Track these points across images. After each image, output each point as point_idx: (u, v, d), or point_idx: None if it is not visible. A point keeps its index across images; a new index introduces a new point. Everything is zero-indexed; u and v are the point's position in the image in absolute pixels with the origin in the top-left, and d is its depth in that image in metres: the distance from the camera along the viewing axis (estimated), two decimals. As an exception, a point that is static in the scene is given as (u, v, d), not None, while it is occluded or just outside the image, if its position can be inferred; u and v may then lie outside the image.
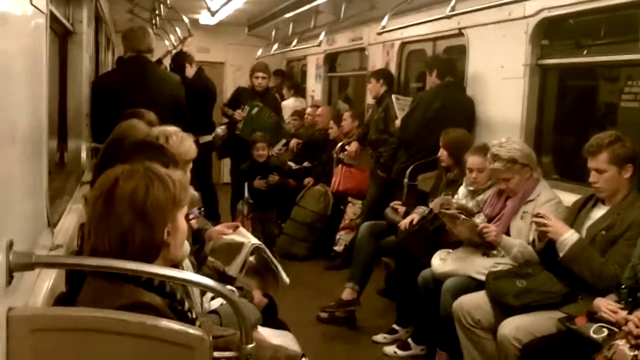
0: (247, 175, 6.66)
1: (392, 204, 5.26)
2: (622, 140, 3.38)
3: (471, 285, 3.87)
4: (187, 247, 2.04)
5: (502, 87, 5.19)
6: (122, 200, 1.82)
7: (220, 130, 7.60)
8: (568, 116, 5.14)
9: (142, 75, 5.05)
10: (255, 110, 7.29)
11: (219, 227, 3.74)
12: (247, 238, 3.62)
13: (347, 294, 5.21)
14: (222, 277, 3.32)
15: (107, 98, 4.86)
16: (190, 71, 7.22)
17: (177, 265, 2.08)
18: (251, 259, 3.54)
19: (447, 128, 4.90)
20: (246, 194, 6.48)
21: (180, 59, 7.30)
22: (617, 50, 4.52)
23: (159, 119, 3.74)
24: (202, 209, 3.70)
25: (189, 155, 2.94)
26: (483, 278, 3.78)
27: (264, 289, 3.58)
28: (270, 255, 3.64)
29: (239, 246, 3.47)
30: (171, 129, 3.02)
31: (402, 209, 5.08)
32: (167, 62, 8.90)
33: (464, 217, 4.04)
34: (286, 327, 3.42)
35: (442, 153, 4.86)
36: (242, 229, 3.78)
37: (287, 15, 7.63)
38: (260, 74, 7.42)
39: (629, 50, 4.27)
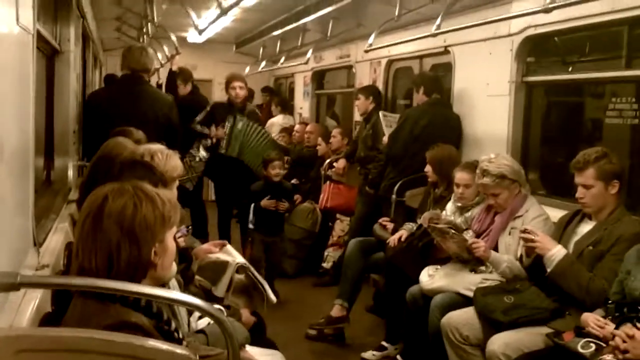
0: (256, 196, 6.13)
1: (380, 220, 5.26)
2: (609, 156, 3.41)
3: (459, 301, 3.87)
4: (174, 267, 2.03)
5: (488, 104, 5.23)
6: (110, 219, 1.81)
7: (202, 153, 6.85)
8: (554, 132, 5.18)
9: (133, 94, 5.05)
10: (240, 124, 6.68)
11: (205, 246, 3.72)
12: (232, 257, 3.60)
13: (336, 311, 5.19)
14: (210, 296, 3.30)
15: (98, 115, 4.87)
16: (186, 88, 7.24)
17: (163, 284, 2.07)
18: (239, 276, 3.52)
19: (433, 145, 4.92)
20: (251, 216, 6.12)
21: (172, 78, 7.30)
22: (602, 68, 4.58)
23: (150, 137, 3.74)
24: (190, 226, 3.69)
25: (175, 172, 2.93)
26: (471, 294, 3.78)
27: (251, 308, 3.56)
28: (256, 273, 3.62)
29: (224, 265, 3.45)
30: (156, 146, 3.01)
31: (390, 226, 5.08)
32: (154, 79, 8.91)
33: (453, 232, 4.05)
34: (275, 346, 3.40)
35: (428, 169, 4.89)
36: (228, 247, 3.75)
37: (275, 33, 7.67)
38: (237, 84, 6.72)
39: (614, 68, 4.32)
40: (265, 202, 6.05)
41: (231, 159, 6.64)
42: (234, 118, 6.66)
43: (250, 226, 6.15)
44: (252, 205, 6.10)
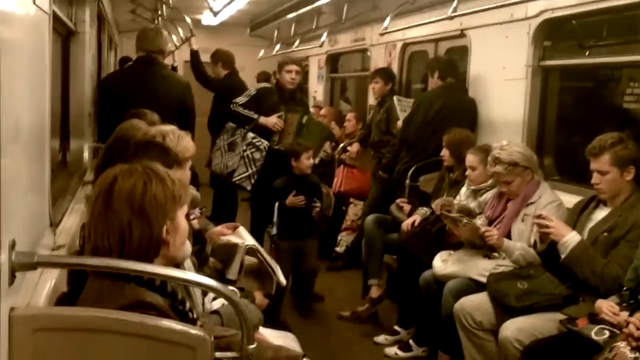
0: (280, 193, 5.28)
1: (397, 200, 5.26)
2: (625, 141, 3.38)
3: (472, 287, 3.87)
4: (188, 247, 2.04)
5: (504, 88, 5.19)
6: (121, 198, 1.83)
7: (264, 142, 5.79)
8: (570, 117, 5.14)
9: (147, 76, 5.06)
10: (306, 118, 5.86)
11: (218, 228, 3.74)
12: (243, 239, 3.62)
13: (374, 291, 5.20)
14: (223, 278, 3.32)
15: (113, 98, 4.89)
16: (221, 71, 7.24)
17: (178, 265, 2.08)
18: (250, 259, 3.54)
19: (450, 128, 4.90)
20: (275, 217, 5.24)
21: (196, 58, 7.29)
22: (619, 52, 4.53)
23: (163, 120, 3.74)
24: (204, 208, 3.70)
25: (187, 153, 2.93)
26: (484, 280, 3.77)
27: (264, 290, 3.59)
28: (266, 256, 3.63)
29: (235, 248, 3.47)
30: (168, 127, 3.02)
31: (407, 207, 5.09)
32: (169, 62, 8.92)
33: (465, 220, 4.04)
34: (288, 328, 3.42)
35: (445, 153, 4.87)
36: (241, 230, 3.77)
37: (290, 15, 7.63)
38: (294, 67, 5.86)
39: (632, 52, 4.27)
40: (291, 198, 5.18)
41: (273, 152, 5.76)
42: (292, 109, 5.83)
43: (273, 231, 5.27)
44: (276, 205, 5.23)
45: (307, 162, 5.28)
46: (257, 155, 5.70)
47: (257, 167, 5.70)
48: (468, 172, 4.46)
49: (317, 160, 6.06)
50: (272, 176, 5.45)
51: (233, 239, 3.61)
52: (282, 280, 3.68)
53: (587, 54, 4.72)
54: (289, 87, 5.83)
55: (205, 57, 7.47)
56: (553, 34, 4.84)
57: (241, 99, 5.83)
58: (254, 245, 3.56)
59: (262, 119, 5.70)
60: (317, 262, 5.59)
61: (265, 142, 5.67)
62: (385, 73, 6.71)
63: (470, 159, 4.44)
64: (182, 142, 2.94)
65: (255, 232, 5.24)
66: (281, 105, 5.76)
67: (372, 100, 7.43)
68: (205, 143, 6.72)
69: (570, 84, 5.19)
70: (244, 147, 5.66)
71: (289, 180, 5.29)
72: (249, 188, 5.82)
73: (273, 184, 5.34)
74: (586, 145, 3.51)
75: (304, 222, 5.26)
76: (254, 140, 5.70)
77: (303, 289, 5.47)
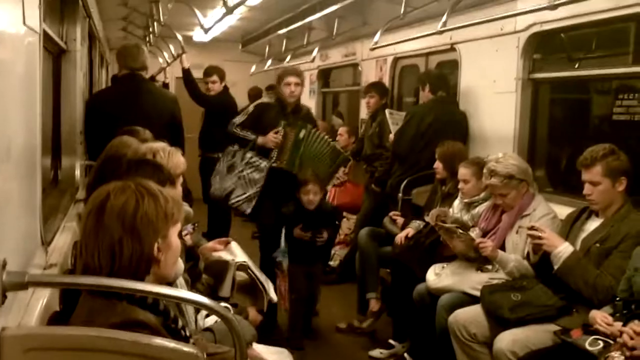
0: (288, 220, 5.13)
1: (390, 213, 5.27)
2: (617, 153, 3.39)
3: (466, 300, 3.86)
4: (180, 265, 2.03)
5: (494, 101, 5.22)
6: (112, 215, 1.82)
7: (264, 163, 5.32)
8: (561, 129, 5.16)
9: (136, 93, 5.05)
10: (303, 132, 5.27)
11: (210, 244, 3.74)
12: (234, 255, 3.61)
13: (374, 304, 5.19)
14: (216, 294, 3.31)
15: (102, 116, 4.87)
16: (218, 86, 7.26)
17: (170, 283, 2.07)
18: (242, 274, 3.53)
19: (443, 140, 4.92)
20: (282, 243, 5.06)
21: (188, 76, 7.31)
22: (608, 64, 4.56)
23: (154, 136, 3.74)
24: (196, 224, 3.70)
25: (178, 169, 2.93)
26: (478, 293, 3.76)
27: (257, 306, 3.57)
28: (257, 272, 3.62)
29: (226, 264, 3.46)
30: (159, 144, 3.02)
31: (400, 220, 5.09)
32: (160, 78, 8.95)
33: (460, 231, 4.04)
34: (282, 344, 3.41)
35: (438, 165, 4.88)
36: (233, 245, 3.76)
37: (281, 31, 7.67)
38: (293, 79, 5.35)
39: (620, 64, 4.30)
40: (298, 232, 5.05)
41: (278, 170, 5.30)
42: (294, 124, 5.32)
43: (279, 258, 5.04)
44: (283, 232, 5.08)
45: (305, 197, 5.03)
46: (256, 176, 5.26)
47: (257, 188, 5.23)
48: (460, 185, 4.47)
49: (328, 188, 5.76)
50: (273, 194, 5.19)
51: (224, 255, 3.60)
52: (274, 297, 3.67)
53: (576, 66, 4.76)
54: (290, 101, 5.37)
55: (197, 74, 7.49)
56: (542, 47, 4.87)
57: (239, 119, 5.46)
58: (244, 262, 3.55)
59: (260, 139, 5.26)
60: (318, 286, 5.42)
61: (265, 162, 5.26)
62: (380, 87, 6.75)
63: (463, 172, 4.45)
64: (173, 158, 2.94)
65: (265, 261, 5.18)
66: (281, 120, 5.31)
67: (364, 114, 7.45)
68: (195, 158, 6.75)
69: (560, 96, 5.23)
70: (242, 167, 5.30)
71: (296, 209, 5.09)
72: (248, 211, 5.35)
73: (281, 210, 5.15)
74: (577, 156, 3.53)
75: (311, 250, 5.14)
76: (251, 160, 5.30)
77: (307, 311, 5.36)
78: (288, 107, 5.39)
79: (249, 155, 5.29)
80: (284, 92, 5.35)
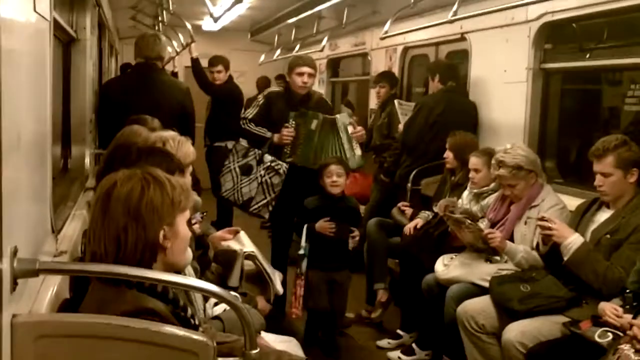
0: (310, 215, 4.60)
1: (399, 204, 5.26)
2: (629, 144, 3.38)
3: (475, 291, 3.86)
4: (189, 254, 2.03)
5: (505, 91, 5.19)
6: (118, 202, 1.83)
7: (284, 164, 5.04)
8: (571, 120, 5.13)
9: (148, 82, 5.06)
10: (315, 123, 4.98)
11: (219, 233, 3.75)
12: (242, 244, 3.62)
13: (382, 295, 5.19)
14: (225, 283, 3.32)
15: (113, 104, 4.89)
16: (224, 76, 7.24)
17: (179, 271, 2.08)
18: (249, 264, 3.54)
19: (453, 131, 4.90)
20: (304, 241, 4.55)
21: (197, 66, 7.32)
22: (620, 54, 4.52)
23: (164, 125, 3.75)
24: (205, 213, 3.70)
25: (187, 159, 2.94)
26: (486, 284, 3.77)
27: (264, 295, 3.59)
28: (264, 263, 3.62)
29: (234, 254, 3.46)
30: (169, 133, 3.03)
31: (408, 211, 5.08)
32: (169, 68, 8.94)
33: (469, 222, 4.04)
34: (291, 333, 3.42)
35: (448, 155, 4.86)
36: (241, 235, 3.77)
37: (290, 20, 7.65)
38: (307, 70, 5.05)
39: (633, 54, 4.27)
40: (321, 224, 4.51)
41: (291, 168, 5.05)
42: (303, 114, 5.02)
43: (302, 254, 4.54)
44: (305, 227, 4.56)
45: (329, 180, 4.53)
46: (276, 180, 5.00)
47: (276, 192, 5.01)
48: (472, 174, 4.46)
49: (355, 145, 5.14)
50: (291, 195, 4.88)
51: (232, 244, 3.60)
52: (279, 289, 3.67)
53: (587, 56, 4.72)
54: (301, 92, 5.09)
55: (205, 63, 7.50)
56: (553, 36, 4.84)
57: (250, 112, 5.17)
58: (252, 251, 3.56)
59: (276, 137, 4.99)
60: (346, 298, 4.84)
61: (285, 165, 4.98)
62: (390, 77, 6.73)
63: (475, 161, 4.43)
64: (183, 148, 2.94)
65: (277, 259, 5.03)
66: (290, 112, 5.02)
67: (373, 104, 7.43)
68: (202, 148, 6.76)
69: (571, 86, 5.19)
70: (262, 172, 5.01)
71: (320, 200, 4.62)
72: (267, 217, 5.18)
73: (304, 203, 4.70)
74: (588, 147, 3.51)
75: (336, 252, 4.58)
76: (272, 164, 5.00)
77: (329, 327, 4.79)
78: (296, 97, 5.12)
79: (268, 158, 5.03)
80: (295, 82, 5.08)
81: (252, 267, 3.56)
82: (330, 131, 5.01)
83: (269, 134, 5.03)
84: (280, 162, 5.00)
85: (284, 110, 5.05)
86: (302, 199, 4.79)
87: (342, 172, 4.55)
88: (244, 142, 5.17)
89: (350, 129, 5.04)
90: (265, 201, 5.05)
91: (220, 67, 7.30)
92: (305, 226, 4.55)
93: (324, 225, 4.51)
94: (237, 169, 5.10)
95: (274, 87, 6.43)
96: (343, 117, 5.08)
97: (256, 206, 5.08)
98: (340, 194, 4.62)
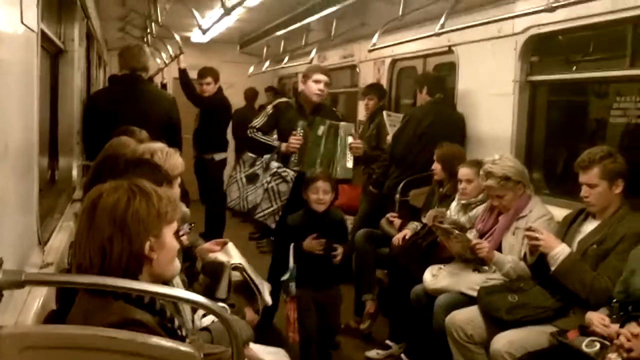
0: (296, 233, 4.38)
1: (387, 215, 5.27)
2: (614, 155, 3.41)
3: (463, 301, 3.87)
4: (177, 265, 2.02)
5: (492, 103, 5.22)
6: (104, 212, 1.83)
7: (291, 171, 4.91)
8: (558, 132, 5.17)
9: (134, 93, 5.05)
10: (322, 129, 4.94)
11: (207, 245, 3.73)
12: (230, 256, 3.61)
13: (370, 305, 5.18)
14: (213, 295, 3.31)
15: (100, 116, 4.87)
16: (213, 88, 7.27)
17: (167, 282, 2.07)
18: (237, 275, 3.53)
19: (441, 142, 4.92)
20: (291, 262, 4.29)
21: (184, 77, 7.33)
22: (606, 67, 4.57)
23: (152, 136, 3.75)
24: (193, 224, 3.69)
25: (175, 170, 2.93)
26: (475, 294, 3.77)
27: (253, 306, 3.58)
28: (252, 274, 3.61)
29: (221, 266, 3.46)
30: (157, 145, 3.02)
31: (397, 222, 5.09)
32: (158, 79, 8.95)
33: (457, 232, 4.05)
34: (280, 344, 3.41)
35: (436, 167, 4.89)
36: (229, 246, 3.76)
37: (279, 32, 7.67)
38: (323, 78, 5.00)
39: (618, 66, 4.31)
40: (309, 242, 4.26)
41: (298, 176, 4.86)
42: (310, 120, 4.97)
43: (286, 279, 4.28)
44: (292, 247, 4.32)
45: (314, 196, 4.29)
46: (283, 188, 4.87)
47: (283, 201, 4.88)
48: (463, 185, 4.46)
49: (350, 165, 5.02)
50: (299, 206, 4.59)
51: (220, 256, 3.59)
52: (268, 300, 3.66)
53: (574, 68, 4.77)
54: (315, 100, 5.01)
55: (194, 75, 7.50)
56: (540, 49, 4.88)
57: (258, 122, 5.07)
58: (239, 263, 3.55)
59: (283, 146, 4.91)
60: (338, 317, 4.68)
61: (292, 173, 4.87)
62: (378, 89, 6.77)
63: (466, 172, 4.45)
64: (171, 159, 2.94)
65: (275, 277, 4.65)
66: (300, 121, 4.93)
67: (361, 116, 7.45)
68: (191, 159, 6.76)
69: (558, 98, 5.23)
70: (268, 179, 4.90)
71: (304, 217, 4.39)
72: (273, 226, 4.98)
73: (287, 221, 4.53)
74: (575, 159, 3.54)
75: (325, 269, 4.33)
76: (279, 170, 4.89)
77: (322, 347, 4.49)
78: (308, 107, 5.04)
79: (274, 165, 4.92)
80: (310, 89, 4.97)
81: (240, 278, 3.55)
82: (334, 138, 4.97)
83: (276, 143, 4.96)
84: (287, 169, 4.90)
85: (295, 120, 4.97)
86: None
87: (329, 188, 4.33)
88: (250, 153, 5.09)
89: (350, 139, 4.97)
90: (271, 209, 4.93)
91: (209, 79, 7.29)
92: (292, 246, 4.30)
93: (311, 244, 4.27)
94: (244, 179, 5.02)
95: (283, 98, 5.83)
96: (346, 126, 5.03)
97: (262, 213, 4.95)
98: (326, 209, 4.39)
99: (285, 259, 4.38)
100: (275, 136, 5.05)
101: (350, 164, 5.00)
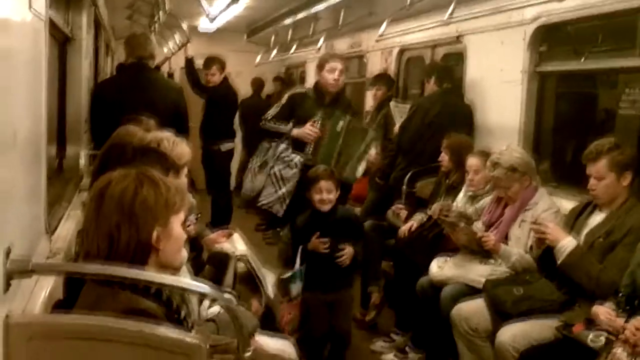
0: (302, 233, 4.19)
1: (394, 206, 5.26)
2: (621, 147, 3.39)
3: (469, 292, 3.87)
4: (184, 255, 2.03)
5: (500, 93, 5.20)
6: (112, 200, 1.84)
7: (297, 157, 4.76)
8: (566, 122, 5.14)
9: (142, 82, 5.05)
10: (341, 124, 4.72)
11: (213, 235, 3.73)
12: (235, 247, 3.61)
13: (376, 297, 5.18)
14: (219, 286, 3.31)
15: (107, 104, 4.87)
16: (218, 78, 7.25)
17: (174, 272, 2.08)
18: (242, 265, 3.53)
19: (448, 133, 4.91)
20: (298, 263, 4.10)
21: (190, 65, 7.32)
22: (615, 57, 4.54)
23: (160, 125, 3.74)
24: (199, 214, 3.69)
25: (182, 159, 2.92)
26: (480, 285, 3.78)
27: (258, 297, 3.58)
28: (255, 266, 3.61)
29: (227, 257, 3.45)
30: (164, 133, 3.01)
31: (403, 213, 5.09)
32: (165, 68, 8.95)
33: (463, 224, 4.05)
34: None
35: (444, 157, 4.87)
36: (235, 237, 3.75)
37: (287, 21, 7.65)
38: (338, 66, 4.83)
39: (627, 57, 4.28)
40: (314, 242, 4.09)
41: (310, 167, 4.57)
42: (330, 113, 4.73)
43: (287, 279, 4.06)
44: (300, 249, 4.13)
45: (317, 196, 4.10)
46: (287, 173, 4.70)
47: (289, 187, 4.68)
48: (471, 175, 4.46)
49: (359, 176, 4.98)
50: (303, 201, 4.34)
51: (226, 246, 3.59)
52: (271, 293, 3.66)
53: (582, 59, 4.73)
54: (331, 90, 4.81)
55: (202, 63, 7.49)
56: (549, 39, 4.85)
57: (271, 112, 4.92)
58: (244, 254, 3.55)
59: (295, 131, 4.72)
60: (350, 320, 4.51)
61: (297, 157, 4.70)
62: (387, 79, 6.74)
63: (474, 162, 4.44)
64: (177, 148, 2.93)
65: None
66: (318, 111, 4.73)
67: (369, 106, 7.43)
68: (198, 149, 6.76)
69: (566, 88, 5.20)
70: (272, 163, 4.77)
71: (310, 216, 4.19)
72: (280, 213, 4.79)
73: (295, 221, 4.33)
74: (583, 150, 3.52)
75: (333, 270, 4.12)
76: (282, 155, 4.73)
77: (337, 349, 4.30)
78: (326, 97, 4.83)
79: (281, 147, 4.79)
80: (326, 80, 4.80)
81: (245, 269, 3.55)
82: (355, 138, 4.76)
83: (286, 129, 4.75)
84: (291, 154, 4.74)
85: (311, 112, 4.78)
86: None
87: (333, 187, 4.11)
88: (266, 143, 4.97)
89: (373, 149, 4.88)
90: (276, 195, 4.76)
91: (214, 69, 7.27)
92: (300, 248, 4.11)
93: (315, 243, 4.08)
94: (256, 168, 4.93)
95: (298, 88, 5.85)
96: (374, 135, 4.94)
97: (265, 201, 4.81)
98: (332, 208, 4.16)
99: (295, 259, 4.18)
100: (290, 125, 4.84)
101: (360, 171, 4.91)
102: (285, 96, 5.09)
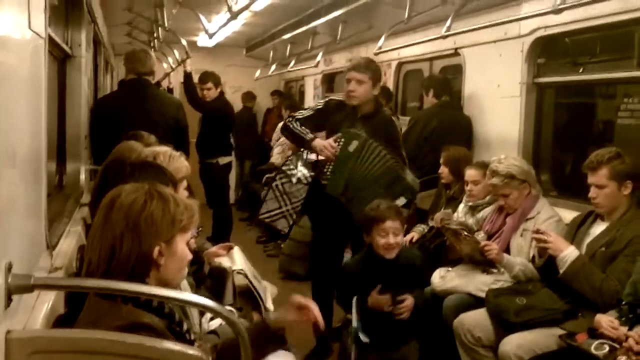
0: (357, 281, 3.59)
1: None
2: (622, 156, 3.40)
3: (472, 302, 3.86)
4: (184, 273, 2.02)
5: (499, 105, 5.22)
6: (120, 211, 1.85)
7: (303, 170, 4.49)
8: (565, 134, 5.16)
9: (142, 98, 5.07)
10: (355, 145, 4.10)
11: (213, 249, 3.73)
12: (233, 262, 3.61)
13: None
14: (220, 299, 3.31)
15: (107, 120, 4.89)
16: (214, 93, 7.27)
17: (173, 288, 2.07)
18: (241, 279, 3.53)
19: (447, 145, 4.92)
20: (355, 320, 3.55)
21: (188, 80, 7.34)
22: (613, 68, 4.55)
23: (160, 140, 3.75)
24: (201, 228, 3.69)
25: (180, 173, 2.92)
26: (483, 295, 3.77)
27: (259, 310, 3.57)
28: (254, 281, 3.60)
29: (225, 272, 3.45)
30: (160, 148, 3.02)
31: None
32: (165, 84, 8.97)
33: (465, 233, 4.05)
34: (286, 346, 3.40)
35: (443, 170, 4.89)
36: (234, 251, 3.75)
37: (285, 36, 7.68)
38: (353, 75, 4.28)
39: (625, 68, 4.30)
40: (375, 297, 3.47)
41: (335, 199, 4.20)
42: (346, 131, 4.18)
43: (362, 337, 3.50)
44: (354, 301, 3.58)
45: (382, 241, 3.45)
46: (290, 188, 4.40)
47: (294, 204, 4.37)
48: (470, 186, 4.48)
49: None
50: (319, 211, 3.97)
51: (224, 261, 3.59)
52: (270, 306, 3.65)
53: (580, 70, 4.75)
54: (352, 103, 4.26)
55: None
56: (546, 51, 4.87)
57: (302, 113, 4.42)
58: (242, 270, 3.55)
59: (316, 142, 4.17)
60: None
61: (302, 172, 4.44)
62: (386, 92, 6.75)
63: (473, 173, 4.46)
64: (175, 162, 2.93)
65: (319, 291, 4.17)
66: (344, 127, 4.20)
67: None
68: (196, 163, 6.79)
69: (565, 100, 5.22)
70: (275, 177, 4.47)
71: (367, 264, 3.56)
72: (286, 230, 4.51)
73: (345, 267, 3.85)
74: (583, 160, 3.53)
75: (394, 324, 3.52)
76: (284, 167, 4.41)
77: None
78: (359, 110, 4.27)
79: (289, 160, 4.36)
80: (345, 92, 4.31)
81: (246, 283, 3.55)
82: (370, 159, 4.14)
83: (309, 136, 4.22)
84: (294, 169, 4.43)
85: (341, 124, 4.26)
86: (338, 221, 4.05)
87: (400, 228, 3.50)
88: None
89: (400, 201, 4.16)
90: (279, 211, 4.44)
91: (210, 84, 7.27)
92: (355, 299, 3.56)
93: (377, 300, 3.47)
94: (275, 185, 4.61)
95: (336, 95, 5.26)
96: (411, 179, 4.36)
97: (267, 215, 4.50)
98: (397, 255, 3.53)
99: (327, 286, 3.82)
100: (311, 134, 4.29)
101: (410, 176, 4.44)
102: (323, 101, 4.59)
